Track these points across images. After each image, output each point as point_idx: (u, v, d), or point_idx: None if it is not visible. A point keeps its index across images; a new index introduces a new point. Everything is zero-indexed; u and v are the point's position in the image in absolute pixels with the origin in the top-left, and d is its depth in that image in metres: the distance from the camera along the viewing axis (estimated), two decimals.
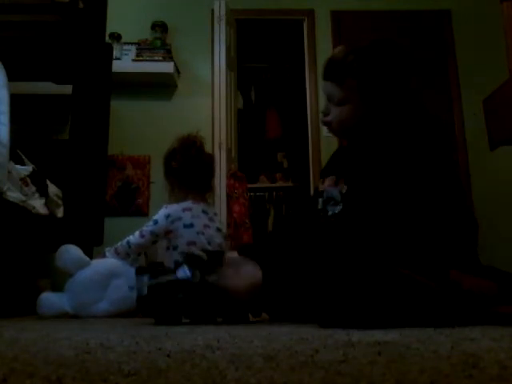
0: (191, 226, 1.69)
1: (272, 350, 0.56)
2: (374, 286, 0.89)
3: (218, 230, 1.80)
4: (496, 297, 0.92)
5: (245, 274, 1.02)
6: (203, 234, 1.70)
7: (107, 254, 1.71)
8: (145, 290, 1.03)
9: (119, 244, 1.71)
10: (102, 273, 1.58)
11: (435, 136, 1.07)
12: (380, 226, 0.98)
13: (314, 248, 1.03)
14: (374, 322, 0.84)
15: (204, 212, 1.77)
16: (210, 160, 1.87)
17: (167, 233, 1.70)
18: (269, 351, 0.54)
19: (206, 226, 1.74)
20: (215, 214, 1.85)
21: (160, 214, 1.72)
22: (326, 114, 1.23)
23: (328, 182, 1.16)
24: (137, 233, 1.71)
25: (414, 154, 1.02)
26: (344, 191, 1.10)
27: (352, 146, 1.21)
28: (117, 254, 1.69)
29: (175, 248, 1.68)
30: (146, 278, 1.04)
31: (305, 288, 0.98)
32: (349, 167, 1.13)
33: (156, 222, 1.70)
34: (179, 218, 1.70)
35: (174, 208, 1.73)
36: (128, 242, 1.69)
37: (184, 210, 1.72)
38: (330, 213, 1.13)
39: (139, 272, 1.06)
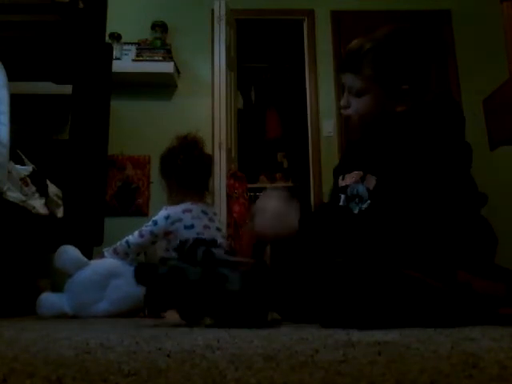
0: (192, 227, 1.70)
1: (272, 350, 0.56)
2: (379, 286, 0.88)
3: (218, 229, 1.81)
4: (504, 298, 0.92)
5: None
6: (203, 234, 1.70)
7: (106, 254, 1.71)
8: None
9: (118, 244, 1.71)
10: (100, 273, 1.58)
11: (461, 128, 1.07)
12: (403, 226, 0.95)
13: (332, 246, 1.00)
14: (378, 322, 0.84)
15: (204, 212, 1.77)
16: (209, 161, 1.87)
17: (166, 234, 1.70)
18: (269, 351, 0.54)
19: (206, 226, 1.74)
20: (215, 214, 1.85)
21: (160, 216, 1.72)
22: (346, 106, 1.19)
23: (353, 177, 1.10)
24: (136, 233, 1.71)
25: (439, 149, 1.01)
26: (372, 187, 1.05)
27: (375, 139, 1.14)
28: (115, 253, 1.69)
29: (175, 249, 1.68)
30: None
31: (309, 287, 0.97)
32: (377, 161, 1.07)
33: (156, 223, 1.70)
34: (179, 220, 1.70)
35: (173, 209, 1.73)
36: (127, 242, 1.69)
37: (184, 211, 1.72)
38: (355, 211, 1.07)
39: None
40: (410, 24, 3.34)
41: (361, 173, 1.08)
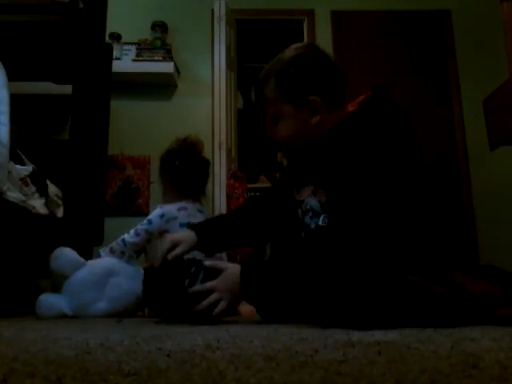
0: (187, 225, 1.69)
1: (272, 350, 0.56)
2: (378, 289, 0.88)
3: None
4: (499, 298, 0.92)
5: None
6: None
7: (102, 253, 1.71)
8: None
9: (114, 243, 1.71)
10: (98, 272, 1.58)
11: (403, 126, 1.03)
12: (369, 229, 0.93)
13: (304, 258, 0.98)
14: (378, 324, 0.84)
15: (200, 211, 1.77)
16: (206, 165, 1.86)
17: (162, 233, 1.69)
18: (269, 351, 0.54)
19: None
20: (209, 215, 1.86)
21: (154, 214, 1.72)
22: (272, 135, 1.21)
23: (307, 191, 1.12)
24: (132, 231, 1.71)
25: (394, 147, 0.98)
26: (323, 201, 1.06)
27: (316, 152, 1.15)
28: (112, 252, 1.69)
29: None
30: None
31: (297, 292, 0.97)
32: (324, 175, 1.08)
33: (150, 222, 1.70)
34: (174, 218, 1.69)
35: (168, 208, 1.73)
36: (123, 241, 1.70)
37: (179, 209, 1.72)
38: (312, 226, 1.09)
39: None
40: (409, 24, 3.32)
41: (312, 187, 1.10)
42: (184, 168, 1.77)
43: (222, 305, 1.04)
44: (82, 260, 1.60)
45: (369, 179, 0.95)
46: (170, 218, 1.69)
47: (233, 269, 1.06)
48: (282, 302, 1.03)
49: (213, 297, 1.04)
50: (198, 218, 1.74)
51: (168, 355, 0.52)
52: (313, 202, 1.10)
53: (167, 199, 1.80)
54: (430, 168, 1.07)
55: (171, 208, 1.72)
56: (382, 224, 0.94)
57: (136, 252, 1.75)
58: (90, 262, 1.64)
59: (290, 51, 1.17)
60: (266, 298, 1.03)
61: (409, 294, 0.88)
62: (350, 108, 1.12)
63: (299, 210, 1.15)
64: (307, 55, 1.15)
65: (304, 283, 0.94)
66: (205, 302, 1.04)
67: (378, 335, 0.69)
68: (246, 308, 1.54)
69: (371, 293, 0.88)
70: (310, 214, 1.10)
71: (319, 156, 1.11)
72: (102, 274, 1.58)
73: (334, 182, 1.01)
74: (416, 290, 0.88)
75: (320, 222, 1.07)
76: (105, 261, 1.66)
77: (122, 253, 1.68)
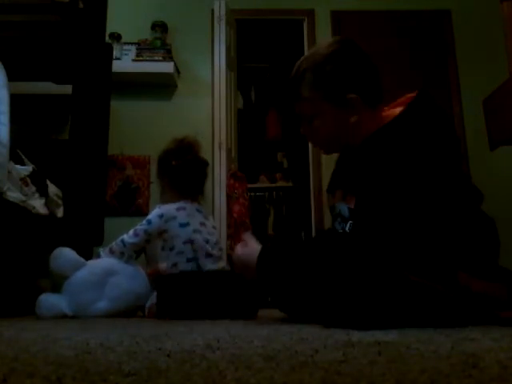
0: (187, 224, 1.69)
1: (272, 350, 0.56)
2: (380, 288, 0.88)
3: (214, 227, 1.81)
4: (506, 301, 0.92)
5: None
6: (200, 232, 1.70)
7: (101, 253, 1.71)
8: None
9: (113, 243, 1.71)
10: (97, 272, 1.58)
11: (439, 134, 1.01)
12: (389, 234, 0.93)
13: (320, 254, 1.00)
14: (380, 323, 0.84)
15: (198, 211, 1.77)
16: (204, 166, 1.86)
17: (161, 233, 1.69)
18: (269, 351, 0.54)
19: (202, 223, 1.74)
20: (208, 214, 1.86)
21: (153, 214, 1.72)
22: (307, 136, 1.19)
23: (337, 196, 1.11)
24: (131, 232, 1.71)
25: (417, 159, 0.97)
26: (352, 206, 1.04)
27: (349, 157, 1.15)
28: (111, 253, 1.69)
29: (172, 248, 1.67)
30: None
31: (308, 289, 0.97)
32: (353, 180, 1.06)
33: (150, 222, 1.70)
34: (174, 218, 1.69)
35: (167, 208, 1.72)
36: (122, 241, 1.69)
37: (178, 209, 1.72)
38: (340, 231, 1.08)
39: None
40: (409, 24, 3.33)
41: (341, 191, 1.09)
42: (181, 168, 1.77)
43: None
44: (82, 260, 1.60)
45: (389, 190, 0.95)
46: (169, 217, 1.69)
47: (254, 248, 1.08)
48: (290, 292, 1.02)
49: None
50: (197, 218, 1.74)
51: (168, 355, 0.52)
52: (342, 208, 1.08)
53: (165, 200, 1.80)
54: (461, 175, 1.05)
55: (170, 208, 1.72)
56: (399, 231, 0.93)
57: (136, 252, 1.75)
58: (90, 262, 1.64)
59: (325, 48, 1.12)
60: (276, 284, 1.03)
61: (410, 294, 0.88)
62: (397, 109, 1.09)
63: (332, 215, 1.14)
64: (344, 51, 1.12)
65: (310, 279, 0.95)
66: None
67: (378, 335, 0.69)
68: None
69: (372, 292, 0.88)
70: (339, 219, 1.09)
71: (359, 160, 1.08)
72: (102, 274, 1.58)
73: (364, 189, 1.00)
74: (417, 290, 0.88)
75: (347, 228, 1.04)
76: (104, 261, 1.66)
77: (122, 253, 1.68)
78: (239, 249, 1.11)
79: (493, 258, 1.01)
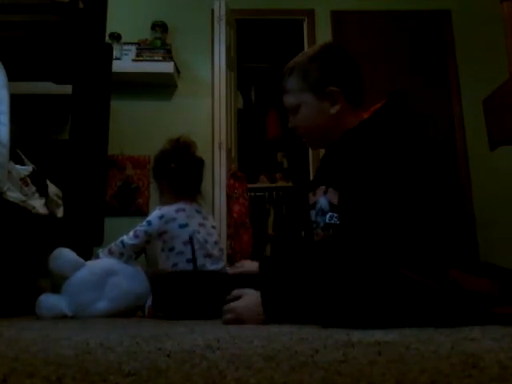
0: (186, 225, 1.69)
1: (272, 350, 0.56)
2: (374, 286, 0.89)
3: (213, 227, 1.81)
4: (498, 296, 0.92)
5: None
6: (199, 232, 1.71)
7: (100, 254, 1.71)
8: None
9: (113, 244, 1.71)
10: (97, 273, 1.58)
11: (419, 129, 1.09)
12: (377, 230, 0.96)
13: (312, 257, 1.02)
14: (374, 322, 0.84)
15: (197, 212, 1.77)
16: (201, 165, 1.86)
17: (161, 234, 1.69)
18: (269, 351, 0.54)
19: (201, 224, 1.74)
20: (207, 214, 1.85)
21: (153, 215, 1.72)
22: (293, 127, 1.26)
23: (319, 192, 1.16)
24: (131, 233, 1.71)
25: (401, 154, 1.02)
26: (336, 202, 1.08)
27: (331, 151, 1.21)
28: (110, 254, 1.69)
29: (171, 249, 1.68)
30: None
31: (304, 290, 0.98)
32: (335, 175, 1.12)
33: (150, 223, 1.70)
34: (173, 219, 1.70)
35: (167, 209, 1.73)
36: (122, 242, 1.69)
37: (178, 210, 1.72)
38: (321, 224, 1.12)
39: None
40: (409, 24, 3.33)
41: (323, 187, 1.13)
42: (180, 169, 1.77)
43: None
44: (82, 260, 1.60)
45: (374, 184, 0.99)
46: (168, 219, 1.69)
47: (251, 297, 1.08)
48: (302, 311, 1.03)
49: (228, 317, 1.06)
50: (196, 219, 1.74)
51: (168, 355, 0.52)
52: (322, 201, 1.13)
53: (164, 201, 1.79)
54: (440, 169, 1.09)
55: (170, 209, 1.72)
56: (386, 227, 0.97)
57: (135, 253, 1.76)
58: (90, 263, 1.64)
59: (315, 47, 1.25)
60: (287, 313, 1.03)
61: (399, 288, 0.89)
62: (365, 115, 1.18)
63: (312, 212, 1.18)
64: (331, 50, 1.22)
65: (311, 287, 0.96)
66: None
67: (378, 335, 0.69)
68: None
69: (364, 288, 0.89)
70: (320, 212, 1.14)
71: (334, 157, 1.16)
72: (102, 274, 1.58)
73: (346, 185, 1.06)
74: (406, 284, 0.89)
75: (327, 220, 1.10)
76: (104, 261, 1.66)
77: (121, 254, 1.68)
78: (238, 305, 1.09)
79: (474, 254, 1.03)
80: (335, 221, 1.08)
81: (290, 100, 1.23)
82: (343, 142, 1.14)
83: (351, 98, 1.18)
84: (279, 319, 1.03)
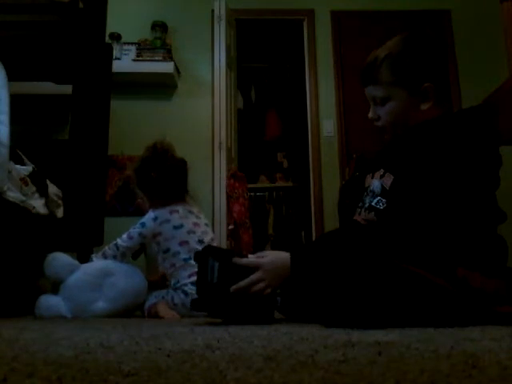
0: (181, 226, 1.70)
1: (272, 350, 0.56)
2: (380, 283, 0.89)
3: (207, 225, 1.81)
4: (504, 296, 0.92)
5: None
6: (194, 232, 1.71)
7: (94, 259, 1.71)
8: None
9: (107, 247, 1.71)
10: (93, 274, 1.58)
11: (494, 138, 1.08)
12: (419, 222, 0.97)
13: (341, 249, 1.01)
14: (380, 320, 0.84)
15: (190, 212, 1.77)
16: (183, 166, 1.85)
17: (155, 236, 1.69)
18: (269, 351, 0.54)
19: (195, 224, 1.74)
20: (199, 212, 1.85)
21: (147, 217, 1.72)
22: (375, 118, 1.22)
23: (376, 175, 1.14)
24: (124, 235, 1.71)
25: (454, 154, 1.01)
26: (388, 186, 1.07)
27: (402, 141, 1.17)
28: (104, 257, 1.68)
29: (166, 251, 1.68)
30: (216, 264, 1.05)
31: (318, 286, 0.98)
32: (397, 160, 1.10)
33: (144, 225, 1.70)
34: (167, 221, 1.70)
35: (160, 211, 1.73)
36: (116, 245, 1.69)
37: (171, 212, 1.72)
38: (366, 205, 1.10)
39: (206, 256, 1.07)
40: (409, 24, 3.33)
41: (382, 171, 1.11)
42: (162, 177, 1.76)
43: (268, 291, 1.05)
44: (76, 262, 1.61)
45: (427, 177, 1.00)
46: (162, 220, 1.70)
47: (277, 254, 1.08)
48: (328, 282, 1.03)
49: (259, 286, 1.04)
50: (190, 218, 1.74)
51: (168, 355, 0.52)
52: (376, 184, 1.11)
53: (155, 207, 1.78)
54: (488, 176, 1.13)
55: (163, 211, 1.73)
56: (427, 220, 0.97)
57: (135, 253, 1.76)
58: (84, 265, 1.64)
59: (407, 37, 1.20)
60: (315, 280, 1.03)
61: (410, 286, 0.89)
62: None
63: (365, 193, 1.16)
64: (424, 42, 1.18)
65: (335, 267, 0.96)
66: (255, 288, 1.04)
67: (378, 335, 0.69)
68: (167, 312, 1.55)
69: (371, 285, 0.89)
70: (370, 193, 1.12)
71: (402, 143, 1.13)
72: (97, 274, 1.58)
73: (401, 171, 1.05)
74: (417, 283, 0.89)
75: (373, 203, 1.08)
76: (98, 262, 1.67)
77: (115, 257, 1.68)
78: (265, 256, 1.09)
79: (499, 260, 1.02)
80: (380, 206, 1.06)
81: (377, 92, 1.18)
82: (420, 130, 1.11)
83: (441, 93, 1.15)
84: (303, 277, 1.03)
